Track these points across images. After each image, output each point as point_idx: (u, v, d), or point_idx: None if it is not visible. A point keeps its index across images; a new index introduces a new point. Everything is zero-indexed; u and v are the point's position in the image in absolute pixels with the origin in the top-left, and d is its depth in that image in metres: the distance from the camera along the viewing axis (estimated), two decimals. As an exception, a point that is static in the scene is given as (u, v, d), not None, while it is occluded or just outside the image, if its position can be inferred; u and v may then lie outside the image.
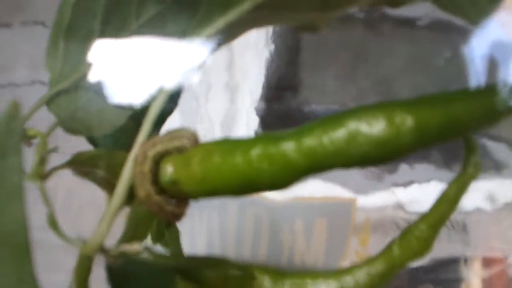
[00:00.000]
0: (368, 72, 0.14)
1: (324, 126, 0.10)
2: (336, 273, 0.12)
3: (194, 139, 0.11)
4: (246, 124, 0.14)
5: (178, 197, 0.12)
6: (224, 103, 0.15)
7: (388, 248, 0.12)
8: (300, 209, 0.17)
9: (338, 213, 0.17)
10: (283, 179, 0.10)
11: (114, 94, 0.13)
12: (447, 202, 0.11)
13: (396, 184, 0.16)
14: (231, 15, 0.13)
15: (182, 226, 0.14)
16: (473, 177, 0.11)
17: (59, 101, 0.16)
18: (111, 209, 0.11)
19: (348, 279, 0.12)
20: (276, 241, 0.18)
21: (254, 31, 0.13)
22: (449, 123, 0.09)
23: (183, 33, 0.15)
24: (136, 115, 0.14)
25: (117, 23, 0.15)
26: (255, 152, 0.11)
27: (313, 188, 0.17)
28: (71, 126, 0.15)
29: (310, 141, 0.10)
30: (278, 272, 0.13)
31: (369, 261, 0.12)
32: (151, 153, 0.11)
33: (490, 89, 0.10)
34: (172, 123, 0.13)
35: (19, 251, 0.07)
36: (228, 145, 0.11)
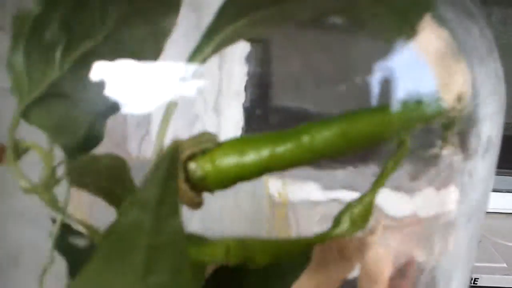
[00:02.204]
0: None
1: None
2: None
3: (215, 141, 0.14)
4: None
5: (201, 190, 0.14)
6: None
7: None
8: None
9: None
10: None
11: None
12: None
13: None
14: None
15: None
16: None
17: (37, 112, 0.16)
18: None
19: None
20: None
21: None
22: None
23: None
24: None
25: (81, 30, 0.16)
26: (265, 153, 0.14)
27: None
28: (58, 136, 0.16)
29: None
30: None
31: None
32: (182, 157, 0.14)
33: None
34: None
35: (178, 257, 0.09)
36: (242, 144, 0.14)
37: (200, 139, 0.14)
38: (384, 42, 0.16)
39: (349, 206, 0.15)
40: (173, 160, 0.10)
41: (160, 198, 0.09)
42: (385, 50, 0.15)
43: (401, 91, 0.15)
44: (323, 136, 0.13)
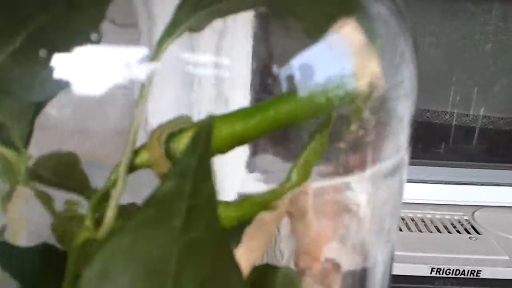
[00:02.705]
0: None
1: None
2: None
3: (191, 122, 0.16)
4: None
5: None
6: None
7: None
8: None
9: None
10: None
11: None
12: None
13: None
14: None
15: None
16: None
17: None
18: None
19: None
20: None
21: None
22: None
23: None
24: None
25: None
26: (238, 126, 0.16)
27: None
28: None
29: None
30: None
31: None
32: (163, 137, 0.15)
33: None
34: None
35: (211, 215, 0.10)
36: (216, 121, 0.16)
37: (178, 120, 0.15)
38: (310, 36, 0.19)
39: (296, 162, 0.18)
40: (208, 132, 0.12)
41: (198, 164, 0.11)
42: (310, 42, 0.18)
43: (323, 76, 0.18)
44: (285, 109, 0.16)
